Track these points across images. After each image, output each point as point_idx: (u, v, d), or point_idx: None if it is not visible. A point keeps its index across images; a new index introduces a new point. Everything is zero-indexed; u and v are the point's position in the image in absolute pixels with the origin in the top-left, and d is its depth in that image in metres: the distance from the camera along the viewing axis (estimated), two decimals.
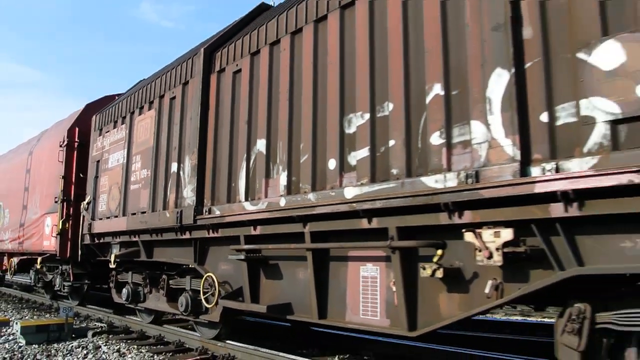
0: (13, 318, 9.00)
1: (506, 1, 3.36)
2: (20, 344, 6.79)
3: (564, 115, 3.09)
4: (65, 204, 9.87)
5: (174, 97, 6.83)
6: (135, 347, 6.47)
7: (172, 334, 6.81)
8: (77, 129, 10.16)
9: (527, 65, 3.27)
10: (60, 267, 10.60)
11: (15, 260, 12.51)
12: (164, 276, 7.14)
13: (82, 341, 6.93)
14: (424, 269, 3.54)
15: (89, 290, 10.52)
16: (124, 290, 7.87)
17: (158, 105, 7.19)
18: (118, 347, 6.47)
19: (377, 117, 4.11)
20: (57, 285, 10.63)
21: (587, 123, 2.97)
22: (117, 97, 10.17)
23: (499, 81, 3.33)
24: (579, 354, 3.12)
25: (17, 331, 7.19)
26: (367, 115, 4.16)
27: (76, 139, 10.10)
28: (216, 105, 6.10)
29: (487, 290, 3.29)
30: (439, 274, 3.46)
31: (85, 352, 6.29)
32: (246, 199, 5.39)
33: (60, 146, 10.16)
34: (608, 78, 2.92)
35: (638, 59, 2.81)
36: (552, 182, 2.94)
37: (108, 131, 8.61)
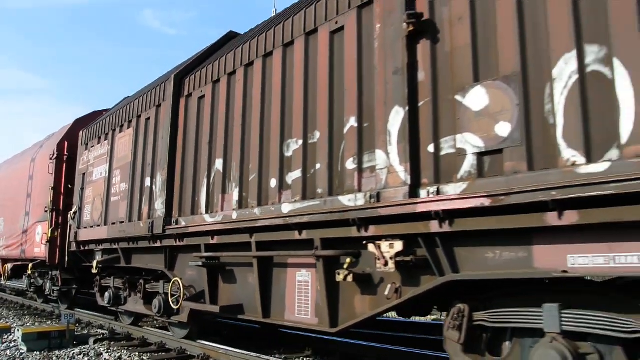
0: (14, 325, 8.98)
1: (404, 48, 4.02)
2: (21, 351, 6.88)
3: (446, 147, 3.73)
4: (54, 213, 10.52)
5: (148, 118, 7.49)
6: (137, 354, 6.54)
7: (174, 342, 6.85)
8: (66, 142, 10.84)
9: (420, 104, 3.92)
10: (50, 272, 11.25)
11: (9, 266, 13.18)
12: (141, 281, 7.77)
13: (84, 348, 6.99)
14: (338, 274, 4.18)
15: (77, 294, 11.16)
16: (106, 294, 8.50)
17: (136, 124, 7.87)
18: (120, 354, 6.52)
19: (309, 143, 4.76)
20: (47, 290, 11.28)
21: (461, 154, 3.61)
22: (104, 113, 10.85)
23: (397, 117, 3.98)
24: (460, 346, 3.75)
25: (18, 338, 7.22)
26: (301, 142, 4.82)
27: (65, 152, 10.77)
28: (184, 126, 6.76)
29: (386, 293, 3.93)
30: (350, 279, 4.10)
31: (87, 359, 6.40)
32: (206, 212, 6.04)
33: (50, 159, 10.84)
34: (476, 117, 3.57)
35: (497, 103, 3.46)
36: (429, 203, 3.59)
37: (93, 146, 9.29)
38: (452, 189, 3.59)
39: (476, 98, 3.58)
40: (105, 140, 8.83)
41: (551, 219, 3.01)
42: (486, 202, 3.29)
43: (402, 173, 3.86)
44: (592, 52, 2.98)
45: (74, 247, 9.52)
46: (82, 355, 6.64)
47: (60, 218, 10.56)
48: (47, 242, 10.46)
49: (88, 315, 9.69)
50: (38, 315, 10.95)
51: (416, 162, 3.84)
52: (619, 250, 2.82)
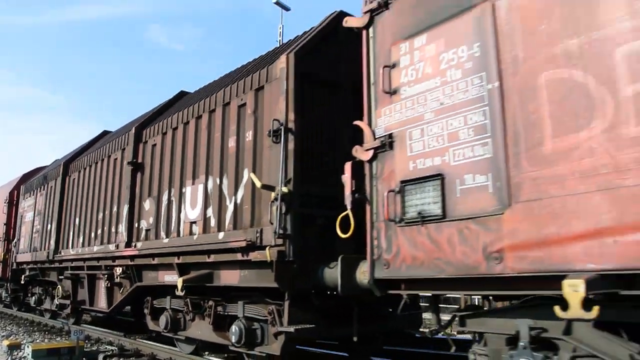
0: (24, 341, 9.15)
1: (129, 173, 8.46)
2: None
3: (141, 225, 8.16)
4: (6, 242, 14.99)
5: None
6: None
7: (184, 358, 7.03)
8: (15, 191, 15.33)
9: (135, 200, 8.37)
10: (4, 284, 15.70)
11: None
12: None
13: None
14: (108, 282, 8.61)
15: (23, 300, 15.56)
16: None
17: (39, 190, 12.33)
18: None
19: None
20: (3, 297, 15.72)
21: (140, 229, 8.04)
22: (41, 170, 15.31)
23: (126, 207, 8.41)
24: None
25: (28, 355, 7.28)
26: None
27: (15, 198, 15.26)
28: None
29: (121, 291, 8.35)
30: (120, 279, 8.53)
31: None
32: (71, 247, 10.46)
33: (5, 202, 15.33)
34: (147, 214, 8.00)
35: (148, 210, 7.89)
36: (127, 250, 8.01)
37: (25, 197, 13.78)
38: (139, 245, 7.99)
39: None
40: (33, 194, 13.30)
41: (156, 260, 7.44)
42: (136, 251, 7.69)
43: (125, 235, 8.27)
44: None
45: (15, 267, 13.95)
46: None
47: (10, 245, 15.01)
48: (1, 261, 14.91)
49: (97, 331, 9.93)
50: (47, 331, 11.10)
51: (131, 230, 8.25)
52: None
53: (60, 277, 11.26)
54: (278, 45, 8.72)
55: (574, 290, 2.64)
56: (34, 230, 12.76)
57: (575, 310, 2.64)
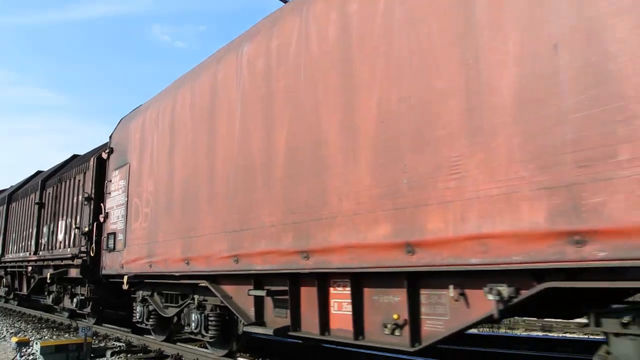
0: (33, 338, 9.20)
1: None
2: None
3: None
4: None
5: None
6: None
7: (190, 353, 7.02)
8: None
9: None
10: None
11: None
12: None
13: None
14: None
15: None
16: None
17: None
18: None
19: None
20: None
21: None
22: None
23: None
24: None
25: (36, 351, 7.32)
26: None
27: None
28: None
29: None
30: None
31: None
32: (9, 253, 15.70)
33: None
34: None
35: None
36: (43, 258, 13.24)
37: None
38: (40, 253, 13.22)
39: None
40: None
41: None
42: (36, 257, 12.93)
43: (34, 247, 13.49)
44: None
45: None
46: None
47: None
48: None
49: (105, 328, 10.17)
50: (56, 328, 11.38)
51: (37, 244, 13.46)
52: None
53: (4, 273, 16.53)
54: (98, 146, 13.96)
55: None
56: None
57: None
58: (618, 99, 2.65)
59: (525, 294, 3.15)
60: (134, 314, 8.46)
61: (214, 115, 6.22)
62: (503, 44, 3.22)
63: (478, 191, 3.25)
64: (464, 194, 3.33)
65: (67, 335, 10.00)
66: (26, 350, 7.99)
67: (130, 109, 8.53)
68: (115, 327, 9.90)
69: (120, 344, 8.51)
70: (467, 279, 3.50)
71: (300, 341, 6.39)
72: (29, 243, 13.87)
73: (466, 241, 3.29)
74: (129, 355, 7.44)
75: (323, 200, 4.42)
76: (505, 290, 3.22)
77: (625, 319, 2.85)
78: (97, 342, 8.78)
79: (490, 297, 3.25)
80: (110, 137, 9.76)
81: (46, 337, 9.80)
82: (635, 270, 2.64)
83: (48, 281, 11.68)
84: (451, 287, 3.57)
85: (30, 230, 13.99)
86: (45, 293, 13.28)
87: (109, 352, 7.52)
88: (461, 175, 3.36)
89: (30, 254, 13.54)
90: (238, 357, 6.60)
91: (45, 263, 12.47)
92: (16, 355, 7.74)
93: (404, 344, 3.86)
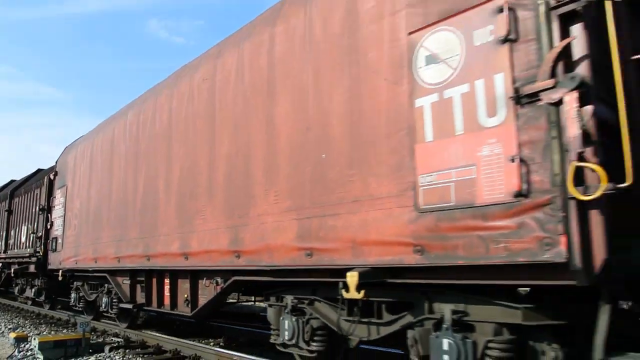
0: (31, 334, 9.12)
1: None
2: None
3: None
4: None
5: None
6: None
7: (189, 349, 7.07)
8: None
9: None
10: None
11: None
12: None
13: (99, 356, 7.15)
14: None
15: None
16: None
17: None
18: None
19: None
20: None
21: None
22: None
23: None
24: None
25: (35, 347, 7.27)
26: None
27: None
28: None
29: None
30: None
31: None
32: None
33: None
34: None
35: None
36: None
37: None
38: (8, 252, 15.89)
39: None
40: None
41: None
42: (5, 255, 15.60)
43: (3, 246, 16.15)
44: None
45: None
46: None
47: None
48: None
49: (103, 323, 10.08)
50: (54, 323, 11.29)
51: (6, 244, 16.12)
52: None
53: None
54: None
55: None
56: None
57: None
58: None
59: (228, 282, 5.93)
60: (70, 299, 11.20)
61: (112, 159, 8.94)
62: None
63: (209, 226, 6.02)
64: (205, 226, 6.10)
65: (65, 330, 10.12)
66: (24, 346, 8.04)
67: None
68: (113, 322, 9.87)
69: (119, 339, 8.53)
70: (214, 275, 6.27)
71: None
72: (0, 244, 16.52)
73: (204, 254, 6.05)
74: (127, 350, 7.55)
75: (155, 225, 7.19)
76: (220, 280, 6.02)
77: (272, 300, 5.58)
78: (95, 337, 8.79)
79: (215, 283, 6.05)
80: (56, 162, 12.43)
81: (44, 333, 9.97)
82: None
83: (12, 275, 14.37)
84: (205, 278, 6.38)
85: (1, 232, 16.62)
86: (14, 285, 16.00)
87: (107, 348, 7.60)
88: (204, 217, 6.12)
89: (0, 253, 16.20)
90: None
91: (12, 260, 15.13)
92: (14, 351, 7.78)
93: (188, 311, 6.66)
